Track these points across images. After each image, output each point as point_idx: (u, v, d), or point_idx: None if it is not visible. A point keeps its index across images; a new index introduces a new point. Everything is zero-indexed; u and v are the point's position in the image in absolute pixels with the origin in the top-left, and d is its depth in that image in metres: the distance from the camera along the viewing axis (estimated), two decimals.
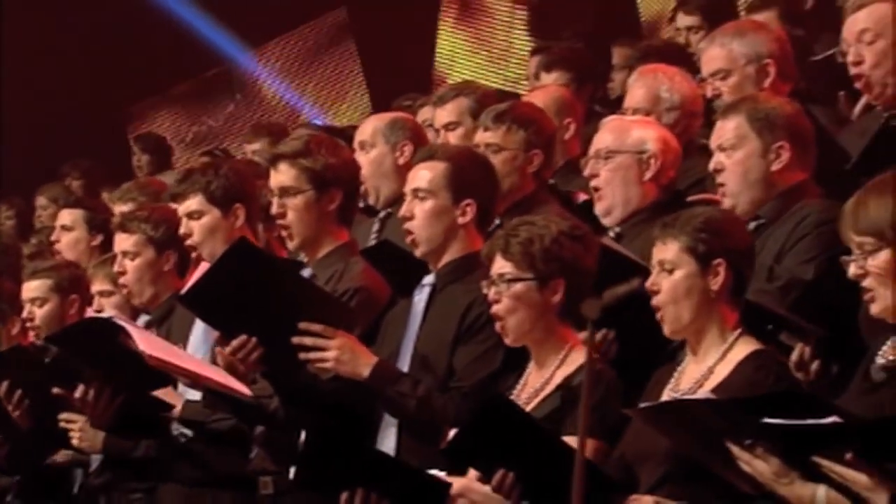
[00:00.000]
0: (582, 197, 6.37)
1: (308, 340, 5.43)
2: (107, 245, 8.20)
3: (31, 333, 7.53)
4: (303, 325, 5.45)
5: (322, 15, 15.58)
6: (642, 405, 4.70)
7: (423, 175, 5.59)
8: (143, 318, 6.78)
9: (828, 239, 5.18)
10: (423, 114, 8.28)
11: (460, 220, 5.51)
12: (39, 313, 7.35)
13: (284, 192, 5.98)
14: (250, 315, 5.62)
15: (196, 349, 6.31)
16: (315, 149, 6.08)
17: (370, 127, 7.08)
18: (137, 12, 14.74)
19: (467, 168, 5.65)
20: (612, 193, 5.80)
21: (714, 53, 6.34)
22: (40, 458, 6.91)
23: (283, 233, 6.07)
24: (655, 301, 4.82)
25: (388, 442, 5.48)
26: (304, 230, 5.93)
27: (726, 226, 4.85)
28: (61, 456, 6.88)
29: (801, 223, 5.31)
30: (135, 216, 6.84)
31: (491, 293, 5.10)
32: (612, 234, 5.80)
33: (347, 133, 9.52)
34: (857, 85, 6.11)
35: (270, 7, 15.03)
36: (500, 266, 5.08)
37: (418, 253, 5.65)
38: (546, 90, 7.48)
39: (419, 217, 5.55)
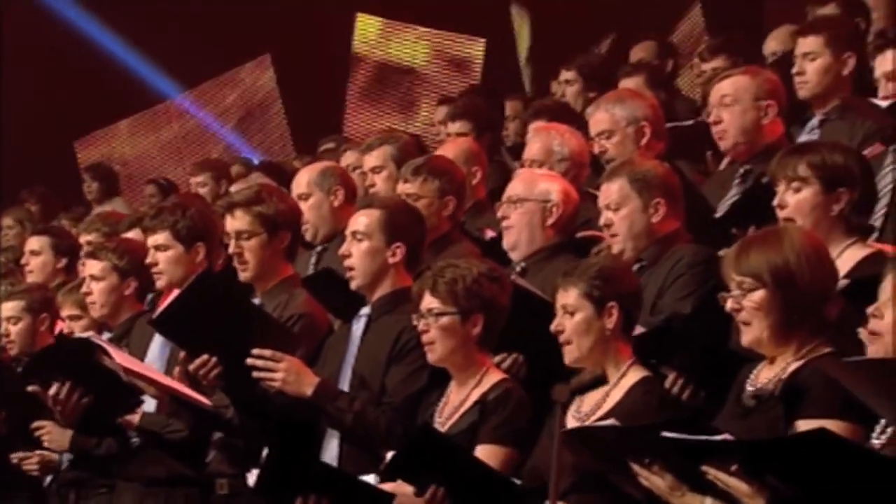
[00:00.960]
0: (489, 234, 6.36)
1: (259, 363, 5.41)
2: (71, 267, 8.14)
3: (8, 348, 7.32)
4: (255, 352, 5.42)
5: (248, 61, 15.32)
6: (564, 429, 4.61)
7: (361, 220, 5.59)
8: (106, 335, 6.57)
9: (700, 278, 5.28)
10: (347, 158, 8.33)
11: (391, 260, 5.51)
12: (14, 330, 7.22)
13: (240, 235, 5.95)
14: (211, 337, 5.57)
15: (153, 363, 6.21)
16: (266, 197, 6.07)
17: (304, 179, 7.04)
18: (85, 52, 14.57)
19: (398, 215, 5.65)
20: (519, 234, 5.78)
21: (600, 117, 6.35)
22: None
23: (239, 267, 5.99)
24: (561, 339, 4.83)
25: (331, 449, 5.47)
26: (256, 266, 5.91)
27: (617, 273, 4.88)
28: (34, 465, 6.69)
29: (676, 265, 5.33)
30: (104, 246, 6.76)
31: (421, 325, 5.11)
32: (517, 267, 5.80)
33: (284, 168, 9.72)
34: (717, 141, 6.15)
35: (203, 52, 14.70)
36: (429, 302, 5.08)
37: (354, 286, 5.64)
38: (455, 142, 7.50)
39: (356, 256, 5.54)
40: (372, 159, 7.17)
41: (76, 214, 11.48)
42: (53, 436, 6.38)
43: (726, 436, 4.08)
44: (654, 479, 4.22)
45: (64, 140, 15.33)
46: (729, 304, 4.40)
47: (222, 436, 5.94)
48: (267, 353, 5.40)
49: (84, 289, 6.62)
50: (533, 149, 6.64)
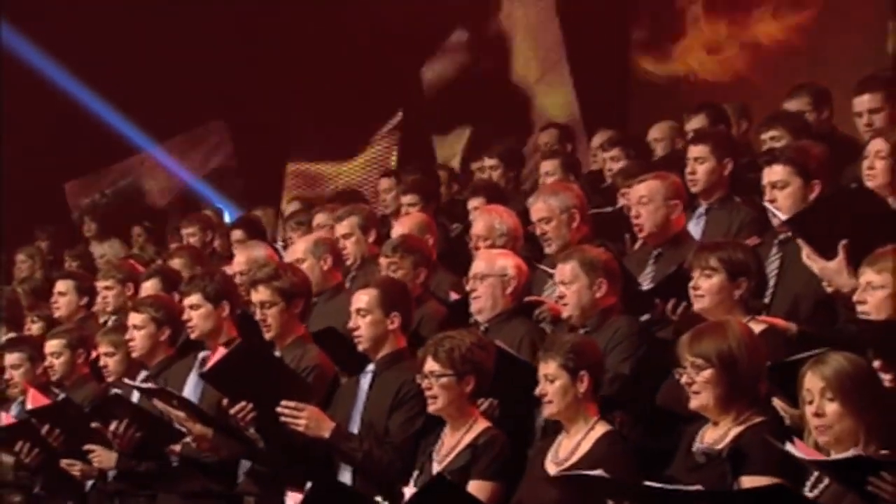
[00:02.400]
0: (454, 296, 6.32)
1: (286, 411, 5.37)
2: (90, 304, 8.05)
3: (51, 375, 7.15)
4: (283, 403, 5.36)
5: (205, 123, 14.59)
6: (554, 474, 4.63)
7: (363, 298, 5.54)
8: (143, 373, 6.55)
9: (635, 345, 5.29)
10: (318, 218, 8.13)
11: (390, 327, 5.48)
12: (57, 363, 7.08)
13: (263, 305, 5.90)
14: (248, 388, 5.52)
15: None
16: (283, 273, 6.03)
17: (301, 247, 6.88)
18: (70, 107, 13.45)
19: (391, 292, 5.60)
20: (485, 302, 5.73)
21: (539, 206, 6.25)
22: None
23: (263, 329, 5.93)
24: (544, 400, 4.80)
25: (345, 478, 5.42)
26: (277, 328, 5.86)
27: (586, 348, 4.86)
28: (76, 471, 6.59)
29: (616, 334, 5.31)
30: (143, 301, 6.73)
31: (424, 383, 5.06)
32: (482, 328, 5.72)
33: (258, 224, 9.57)
34: (636, 230, 6.16)
35: (170, 111, 13.74)
36: (431, 365, 5.03)
37: (362, 349, 5.57)
38: (412, 217, 7.40)
39: (362, 327, 5.50)
40: (342, 227, 7.10)
41: (77, 252, 11.02)
42: (102, 457, 6.30)
43: (698, 487, 4.07)
44: None
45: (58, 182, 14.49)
46: (683, 379, 4.40)
47: (252, 464, 5.87)
48: (293, 404, 5.35)
49: (127, 335, 6.50)
50: (478, 226, 6.58)
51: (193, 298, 6.17)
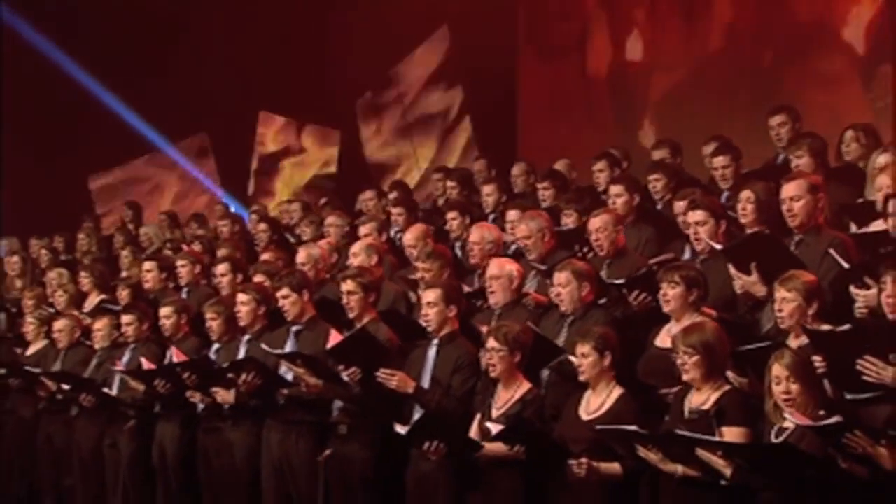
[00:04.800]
0: (466, 288, 6.00)
1: (384, 375, 5.33)
2: (171, 279, 7.91)
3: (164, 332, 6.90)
4: (381, 371, 5.32)
5: (188, 137, 13.35)
6: (599, 428, 4.49)
7: (431, 294, 5.44)
8: (247, 336, 6.38)
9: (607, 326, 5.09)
10: (329, 219, 8.01)
11: (449, 315, 5.42)
12: (168, 323, 6.88)
13: (349, 294, 5.74)
14: (356, 357, 5.46)
15: None
16: (365, 272, 5.96)
17: (358, 248, 6.67)
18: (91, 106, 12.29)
19: (451, 290, 5.53)
20: (498, 295, 5.65)
21: (522, 227, 6.16)
22: None
23: (350, 313, 5.80)
24: (580, 370, 4.74)
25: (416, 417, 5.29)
26: (358, 311, 5.77)
27: (609, 336, 4.76)
28: (197, 399, 6.42)
29: (596, 320, 5.21)
30: (248, 287, 6.55)
31: (487, 356, 5.00)
32: (497, 312, 5.63)
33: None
34: (595, 246, 5.95)
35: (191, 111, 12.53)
36: (492, 344, 4.96)
37: (430, 331, 5.45)
38: (416, 227, 6.98)
39: (431, 315, 5.41)
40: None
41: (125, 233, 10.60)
42: (223, 395, 6.21)
43: (717, 438, 4.05)
44: (650, 454, 4.25)
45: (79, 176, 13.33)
46: (678, 361, 4.35)
47: (343, 404, 5.77)
48: (388, 371, 5.32)
49: (236, 309, 6.40)
50: (474, 236, 6.43)
51: (284, 290, 6.03)
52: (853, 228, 5.47)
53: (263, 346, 5.97)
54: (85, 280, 8.60)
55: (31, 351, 8.05)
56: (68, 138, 12.04)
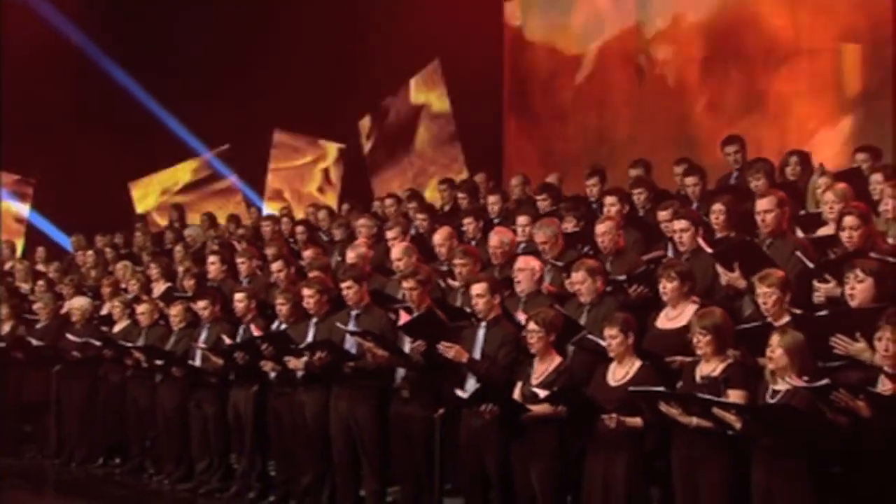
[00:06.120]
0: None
1: (442, 348, 5.37)
2: (231, 270, 7.95)
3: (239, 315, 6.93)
4: (442, 343, 5.34)
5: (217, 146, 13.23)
6: (631, 390, 4.52)
7: (479, 287, 5.44)
8: (314, 319, 6.34)
9: (617, 310, 5.12)
10: (360, 221, 8.05)
11: (494, 303, 5.42)
12: (241, 307, 6.96)
13: (410, 289, 5.70)
14: (421, 332, 5.44)
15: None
16: (420, 270, 5.83)
17: (398, 251, 6.56)
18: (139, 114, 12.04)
19: (495, 283, 5.54)
20: (524, 285, 5.71)
21: (539, 233, 6.17)
22: None
23: (410, 302, 5.75)
24: (609, 347, 4.76)
25: (470, 384, 5.32)
26: (418, 302, 5.74)
27: (631, 320, 4.80)
28: (269, 368, 6.49)
29: (609, 307, 5.24)
30: (313, 280, 6.51)
31: (528, 336, 5.04)
32: (522, 299, 5.63)
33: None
34: (602, 248, 5.93)
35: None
36: (532, 327, 5.00)
37: (480, 316, 5.42)
38: (442, 230, 6.91)
39: (480, 304, 5.41)
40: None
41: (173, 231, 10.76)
42: (294, 363, 6.21)
43: (733, 400, 4.15)
44: (671, 410, 4.30)
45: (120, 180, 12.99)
46: (694, 340, 4.42)
47: (406, 372, 5.75)
48: (447, 344, 5.35)
49: (304, 301, 6.40)
50: (494, 240, 6.40)
51: (349, 282, 6.06)
52: (799, 233, 5.65)
53: (339, 324, 6.00)
54: (154, 270, 8.71)
55: (116, 329, 8.17)
56: (116, 147, 11.81)
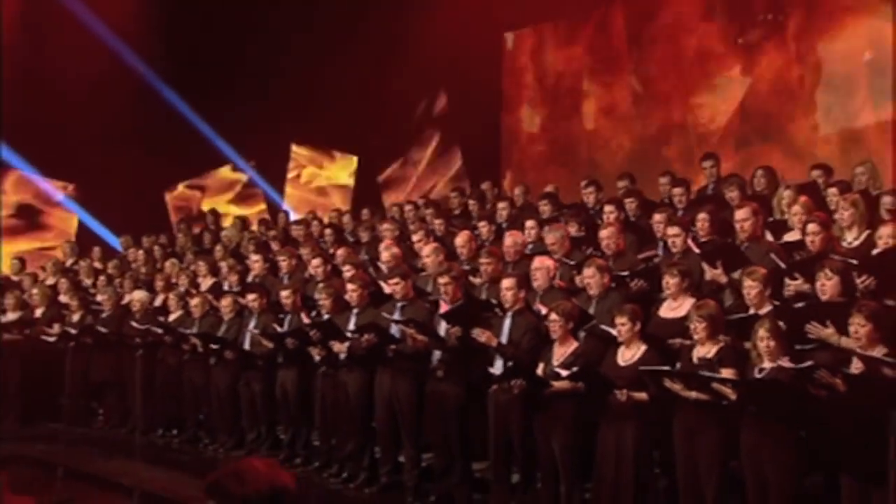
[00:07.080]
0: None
1: (476, 332, 5.35)
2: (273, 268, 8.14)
3: (285, 304, 6.96)
4: (475, 329, 5.35)
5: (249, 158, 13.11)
6: (642, 369, 4.53)
7: (507, 282, 5.42)
8: (356, 310, 6.34)
9: (623, 303, 5.10)
10: (384, 224, 8.20)
11: (520, 296, 5.40)
12: (288, 302, 7.00)
13: (446, 284, 5.61)
14: (459, 318, 5.39)
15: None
16: (452, 267, 5.82)
17: (427, 251, 6.55)
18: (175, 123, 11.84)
19: (522, 279, 5.49)
20: (541, 282, 5.64)
21: (549, 237, 6.19)
22: None
23: (444, 296, 5.69)
24: (619, 333, 4.78)
25: (498, 364, 5.32)
26: (453, 296, 5.69)
27: (638, 310, 4.73)
28: (317, 354, 6.57)
29: (614, 299, 5.21)
30: (355, 276, 6.52)
31: (549, 324, 5.07)
32: (539, 294, 5.56)
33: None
34: (606, 250, 5.93)
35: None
36: (553, 316, 5.02)
37: (508, 308, 5.38)
38: (463, 234, 6.92)
39: (508, 297, 5.38)
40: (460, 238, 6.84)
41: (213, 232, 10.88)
42: (338, 346, 6.30)
43: (729, 376, 4.25)
44: (674, 385, 4.37)
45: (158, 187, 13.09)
46: (692, 327, 4.48)
47: (442, 353, 5.71)
48: (480, 329, 5.34)
49: (347, 295, 6.42)
50: (508, 241, 6.42)
51: (396, 279, 6.06)
52: (769, 237, 5.79)
53: (385, 314, 6.03)
54: (202, 267, 8.91)
55: (171, 318, 8.36)
56: (154, 156, 11.82)
